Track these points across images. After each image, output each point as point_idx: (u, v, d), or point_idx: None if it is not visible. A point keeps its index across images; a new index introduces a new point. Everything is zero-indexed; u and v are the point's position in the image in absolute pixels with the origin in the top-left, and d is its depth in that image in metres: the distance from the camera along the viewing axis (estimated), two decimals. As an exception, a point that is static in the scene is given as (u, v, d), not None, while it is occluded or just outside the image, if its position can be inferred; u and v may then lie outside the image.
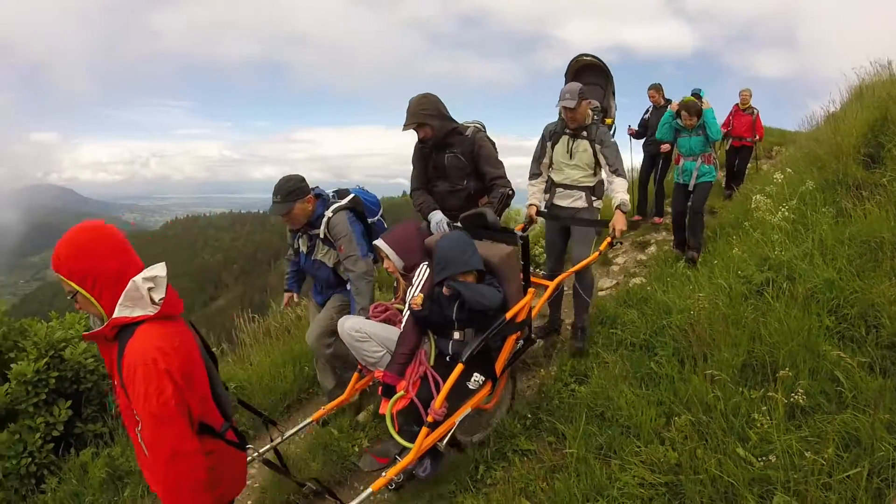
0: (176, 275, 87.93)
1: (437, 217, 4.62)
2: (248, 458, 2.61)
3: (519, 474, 3.45)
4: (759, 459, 2.78)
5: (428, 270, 3.74)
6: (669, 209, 8.55)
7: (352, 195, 4.50)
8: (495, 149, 4.77)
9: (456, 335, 3.57)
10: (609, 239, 4.64)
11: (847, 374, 3.13)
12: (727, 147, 10.39)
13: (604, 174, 4.94)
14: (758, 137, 10.25)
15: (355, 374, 4.08)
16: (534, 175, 5.25)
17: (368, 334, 3.74)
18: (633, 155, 10.68)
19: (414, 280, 3.79)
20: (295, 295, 4.90)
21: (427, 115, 4.38)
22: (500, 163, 4.71)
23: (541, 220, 5.45)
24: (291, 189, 4.17)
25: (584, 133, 4.87)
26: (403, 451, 3.25)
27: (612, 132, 5.09)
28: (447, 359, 3.58)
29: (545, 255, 5.72)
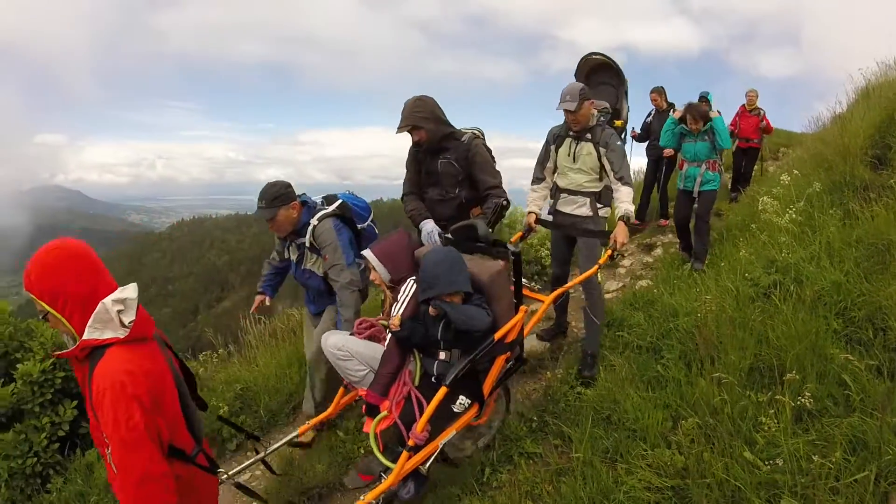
0: (182, 276, 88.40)
1: (429, 227, 4.45)
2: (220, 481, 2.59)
3: (525, 477, 3.44)
4: (767, 463, 2.76)
5: (415, 285, 3.56)
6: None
7: (339, 201, 4.36)
8: (493, 157, 4.62)
9: (442, 355, 3.40)
10: (609, 251, 4.33)
11: (854, 378, 3.11)
12: (734, 149, 10.33)
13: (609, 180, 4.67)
14: (764, 124, 10.11)
15: (341, 390, 3.98)
16: (536, 180, 5.05)
17: (351, 352, 3.63)
18: (634, 158, 10.61)
19: (399, 295, 3.62)
20: (267, 298, 4.71)
21: (422, 118, 4.24)
22: (497, 171, 4.53)
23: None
24: (276, 195, 4.06)
25: (589, 135, 4.62)
26: (388, 469, 3.13)
27: (622, 135, 4.98)
28: (433, 379, 3.40)
29: (551, 260, 5.55)
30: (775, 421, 2.93)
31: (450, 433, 3.35)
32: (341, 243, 4.13)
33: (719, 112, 8.44)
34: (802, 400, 2.95)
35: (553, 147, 4.86)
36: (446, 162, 4.40)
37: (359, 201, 4.59)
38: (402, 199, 4.78)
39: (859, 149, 5.92)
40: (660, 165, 9.22)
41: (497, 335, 3.46)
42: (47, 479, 4.46)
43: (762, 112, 10.11)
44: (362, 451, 4.23)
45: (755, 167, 10.53)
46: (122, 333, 2.00)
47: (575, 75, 5.56)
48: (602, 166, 4.60)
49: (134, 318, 2.04)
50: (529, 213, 4.95)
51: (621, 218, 4.33)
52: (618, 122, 5.18)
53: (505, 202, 4.41)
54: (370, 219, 4.60)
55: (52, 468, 4.53)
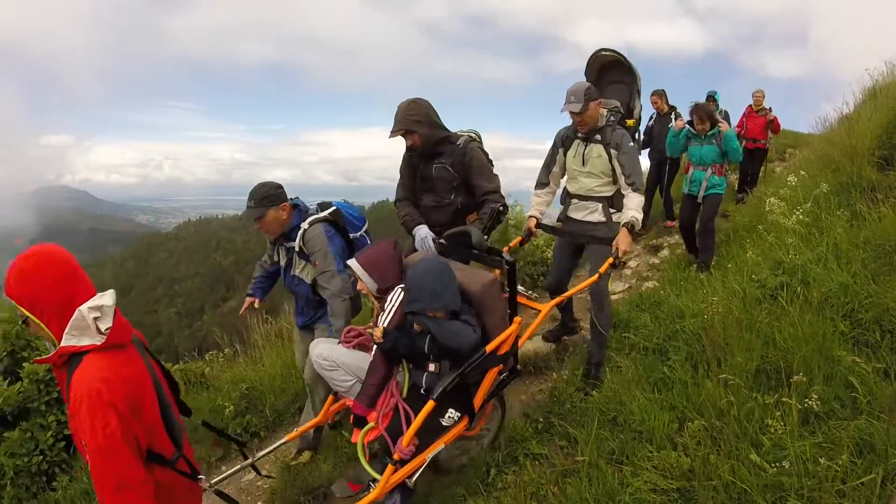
0: (188, 276, 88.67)
1: (423, 232, 4.27)
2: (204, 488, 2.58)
3: (530, 478, 3.43)
4: (773, 465, 2.76)
5: (402, 294, 3.42)
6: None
7: (333, 208, 4.22)
8: (490, 160, 4.46)
9: (431, 367, 3.25)
10: (611, 259, 4.10)
11: (861, 380, 3.11)
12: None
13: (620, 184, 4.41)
14: (772, 119, 10.06)
15: (330, 397, 3.85)
16: (540, 184, 4.83)
17: (337, 362, 3.53)
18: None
19: (386, 305, 3.47)
20: (257, 301, 4.58)
21: (414, 122, 4.09)
22: (495, 176, 4.37)
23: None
24: (265, 194, 3.94)
25: (598, 137, 4.39)
26: (376, 479, 3.05)
27: (635, 135, 4.80)
28: (421, 391, 3.28)
29: (550, 267, 5.21)
30: (782, 423, 2.93)
31: (438, 447, 3.27)
32: (332, 249, 3.99)
33: (727, 112, 8.33)
34: (809, 402, 2.95)
35: (561, 150, 4.65)
36: (441, 167, 4.27)
37: (353, 210, 4.48)
38: (395, 204, 4.65)
39: (866, 149, 5.90)
40: (662, 169, 9.12)
41: (488, 347, 3.32)
42: (53, 478, 4.48)
43: (769, 112, 10.07)
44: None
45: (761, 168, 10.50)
46: (98, 340, 2.01)
47: (585, 74, 5.37)
48: (613, 169, 4.38)
49: (111, 324, 2.04)
50: (530, 217, 4.79)
51: (625, 225, 4.13)
52: (630, 122, 4.95)
53: (501, 207, 4.25)
54: (364, 229, 4.46)
55: (57, 466, 4.54)
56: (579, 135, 4.49)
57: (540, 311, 3.98)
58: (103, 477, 1.96)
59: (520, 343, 3.74)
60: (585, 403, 4.03)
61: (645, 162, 9.60)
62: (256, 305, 4.62)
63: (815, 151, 8.02)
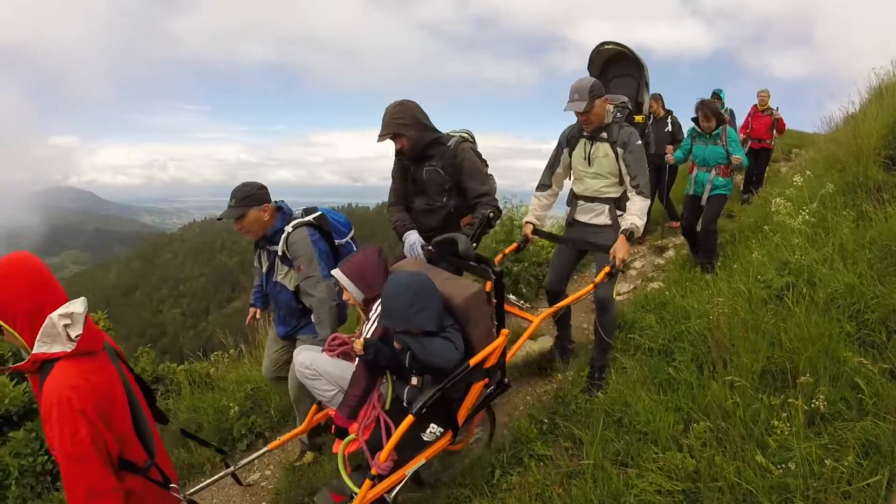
0: (193, 276, 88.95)
1: (412, 239, 4.12)
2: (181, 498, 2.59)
3: (535, 479, 3.42)
4: (779, 467, 2.76)
5: None
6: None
7: (318, 213, 4.12)
8: (484, 161, 4.38)
9: (413, 381, 3.15)
10: (608, 268, 3.93)
11: (868, 381, 3.10)
12: (746, 150, 10.25)
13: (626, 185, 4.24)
14: (777, 114, 10.04)
15: (314, 406, 3.75)
16: (541, 186, 4.65)
17: (319, 371, 3.45)
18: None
19: (371, 314, 3.38)
20: (258, 311, 4.53)
21: (402, 125, 3.96)
22: (487, 177, 4.26)
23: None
24: (247, 194, 3.84)
25: (604, 135, 4.22)
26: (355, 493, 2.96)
27: (645, 132, 4.63)
28: (404, 403, 3.18)
29: (549, 271, 4.88)
30: (788, 424, 2.93)
31: (419, 462, 3.16)
32: (317, 254, 3.91)
33: (732, 111, 8.27)
34: (815, 403, 2.95)
35: (566, 150, 4.48)
36: (432, 170, 4.14)
37: (339, 216, 4.36)
38: (387, 209, 4.53)
39: (872, 149, 5.87)
40: (661, 175, 8.92)
41: (472, 361, 3.17)
42: (57, 478, 4.47)
43: (776, 111, 10.04)
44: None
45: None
46: (69, 347, 2.03)
47: (588, 69, 5.11)
48: (620, 169, 4.21)
49: (81, 331, 2.05)
50: (526, 223, 4.63)
51: (624, 231, 3.96)
52: (638, 118, 4.72)
53: (492, 213, 4.07)
54: (350, 236, 4.34)
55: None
56: (585, 134, 4.31)
57: (532, 321, 3.81)
58: (74, 484, 1.99)
59: (508, 356, 3.62)
60: (590, 405, 4.02)
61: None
62: (258, 316, 4.58)
63: (821, 151, 7.99)
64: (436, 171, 4.13)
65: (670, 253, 8.12)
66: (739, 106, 10.77)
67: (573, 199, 4.56)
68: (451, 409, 3.21)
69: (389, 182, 4.40)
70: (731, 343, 3.80)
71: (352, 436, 3.15)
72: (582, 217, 4.48)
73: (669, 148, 8.29)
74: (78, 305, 2.10)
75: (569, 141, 4.45)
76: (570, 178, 4.61)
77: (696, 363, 3.93)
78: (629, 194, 4.13)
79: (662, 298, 5.44)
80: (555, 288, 4.56)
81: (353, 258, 3.52)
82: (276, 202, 4.04)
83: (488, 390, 3.50)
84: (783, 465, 2.75)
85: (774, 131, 10.07)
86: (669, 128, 8.59)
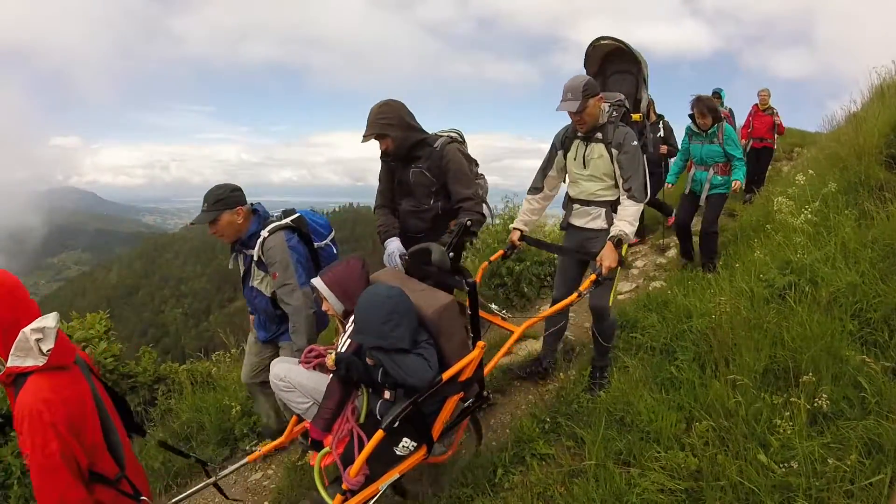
0: (195, 276, 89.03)
1: (391, 247, 4.03)
2: None
3: (537, 479, 3.42)
4: (781, 466, 2.75)
5: None
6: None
7: (296, 215, 4.01)
8: (473, 161, 4.27)
9: (386, 394, 3.04)
10: (594, 276, 3.78)
11: (870, 380, 3.10)
12: (748, 149, 10.25)
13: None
14: (779, 124, 10.03)
15: (294, 417, 3.65)
16: (533, 189, 4.50)
17: (293, 384, 3.39)
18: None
19: (347, 326, 3.28)
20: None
21: (387, 125, 3.85)
22: (471, 180, 4.11)
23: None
24: (219, 197, 3.74)
25: (599, 135, 4.07)
26: None
27: (643, 132, 4.35)
28: (378, 417, 3.07)
29: (555, 278, 4.73)
30: (790, 423, 2.92)
31: (392, 476, 3.08)
32: (294, 259, 3.80)
33: (731, 110, 8.20)
34: (818, 402, 2.95)
35: (560, 152, 4.33)
36: (418, 171, 4.04)
37: (319, 218, 4.27)
38: (374, 211, 4.44)
39: (874, 148, 5.87)
40: (652, 180, 8.92)
41: (445, 375, 3.05)
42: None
43: (775, 112, 10.04)
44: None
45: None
46: (41, 361, 2.07)
47: (585, 66, 4.83)
48: (615, 171, 4.06)
49: (52, 346, 2.09)
50: (514, 229, 4.49)
51: (612, 238, 3.81)
52: (635, 116, 4.45)
53: (469, 221, 3.91)
54: (330, 237, 4.24)
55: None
56: (579, 135, 4.17)
57: (514, 331, 3.67)
58: (44, 494, 2.04)
59: (486, 369, 3.50)
60: (592, 404, 4.02)
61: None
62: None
63: (823, 150, 7.99)
64: (422, 173, 4.04)
65: (672, 252, 8.11)
66: (741, 106, 10.78)
67: (568, 202, 4.43)
68: (424, 423, 3.13)
69: (391, 182, 4.34)
70: (733, 342, 3.79)
71: (327, 448, 3.11)
72: (577, 221, 4.35)
73: (664, 148, 8.28)
74: (50, 320, 2.14)
75: (563, 142, 4.32)
76: (564, 182, 4.50)
77: (699, 362, 3.92)
78: (621, 198, 3.99)
79: (664, 297, 5.43)
80: (563, 298, 4.13)
81: (335, 268, 3.41)
82: (251, 204, 3.96)
83: (466, 404, 3.42)
84: (785, 465, 2.75)
85: (775, 132, 10.08)
86: (661, 132, 8.53)
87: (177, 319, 76.76)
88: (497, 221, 7.86)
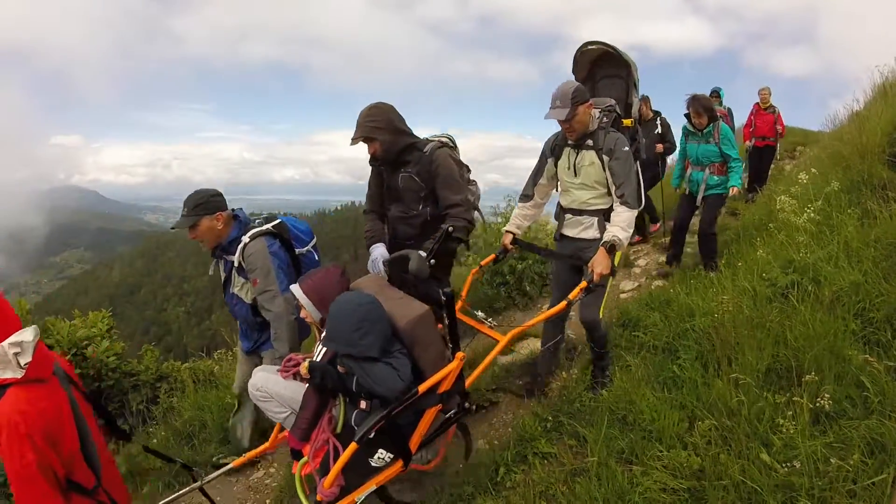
0: (197, 274, 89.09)
1: (375, 253, 3.95)
2: None
3: (539, 477, 3.42)
4: (784, 465, 2.75)
5: None
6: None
7: (277, 220, 3.99)
8: (464, 167, 4.19)
9: (362, 404, 2.99)
10: (584, 283, 3.67)
11: (873, 379, 3.09)
12: (750, 148, 10.24)
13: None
14: (780, 130, 10.04)
15: (277, 424, 3.63)
16: (523, 197, 4.45)
17: (270, 393, 3.37)
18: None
19: (323, 334, 3.25)
20: None
21: (374, 128, 3.76)
22: (461, 186, 4.00)
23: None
24: (199, 202, 3.71)
25: (590, 142, 3.99)
26: None
27: (635, 136, 4.30)
28: (354, 427, 3.03)
29: (552, 287, 4.66)
30: (793, 423, 2.92)
31: (369, 488, 3.06)
32: (275, 265, 3.78)
33: (730, 109, 8.13)
34: (820, 402, 2.94)
35: (551, 160, 4.27)
36: (407, 176, 3.94)
37: (300, 224, 4.26)
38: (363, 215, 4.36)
39: (877, 147, 5.85)
40: (644, 177, 8.83)
41: (421, 388, 3.02)
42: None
43: (777, 110, 10.03)
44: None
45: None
46: (19, 374, 2.10)
47: (573, 72, 4.66)
48: (608, 178, 3.98)
49: (30, 359, 2.13)
50: (506, 232, 4.41)
51: (604, 244, 3.72)
52: (627, 122, 4.31)
53: (451, 228, 3.78)
54: (311, 244, 4.24)
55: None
56: (570, 142, 4.09)
57: (499, 340, 3.66)
58: (22, 502, 2.10)
59: (471, 378, 3.49)
60: (595, 402, 4.01)
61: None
62: None
63: (826, 149, 7.98)
64: (411, 178, 3.95)
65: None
66: (743, 104, 10.77)
67: (560, 212, 4.34)
68: (400, 435, 3.12)
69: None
70: (735, 341, 3.79)
71: (306, 458, 3.10)
72: (570, 231, 4.26)
73: (660, 147, 8.24)
74: (28, 334, 2.17)
75: (553, 150, 4.25)
76: (556, 190, 4.41)
77: (701, 361, 3.91)
78: (614, 205, 3.90)
79: (667, 296, 5.42)
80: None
81: (313, 275, 3.37)
82: (232, 210, 3.93)
83: (448, 415, 3.37)
84: (788, 464, 2.74)
85: (778, 129, 10.06)
86: (659, 129, 8.49)
87: (179, 318, 76.93)
88: (499, 220, 7.84)
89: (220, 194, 3.85)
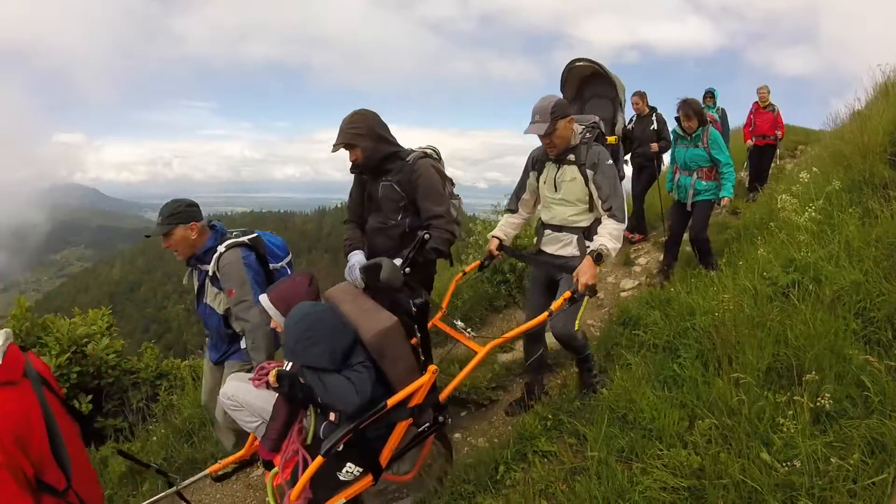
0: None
1: (353, 259, 3.85)
2: None
3: (539, 476, 3.42)
4: (784, 465, 2.74)
5: None
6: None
7: (254, 234, 3.93)
8: (446, 178, 4.06)
9: (331, 416, 2.93)
10: (568, 293, 3.53)
11: (873, 379, 3.08)
12: (751, 147, 10.23)
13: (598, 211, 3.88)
14: (780, 134, 10.06)
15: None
16: (508, 211, 4.44)
17: (241, 402, 3.35)
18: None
19: None
20: None
21: (356, 135, 3.69)
22: (444, 198, 3.90)
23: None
24: (173, 211, 3.71)
25: (571, 157, 3.90)
26: None
27: (618, 154, 4.17)
28: (322, 439, 3.01)
29: (530, 293, 4.58)
30: (793, 422, 2.91)
31: (338, 501, 3.00)
32: (250, 276, 3.72)
33: (724, 110, 8.10)
34: (821, 401, 2.93)
35: (533, 174, 4.21)
36: (388, 185, 3.86)
37: (275, 239, 4.20)
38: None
39: (878, 146, 5.84)
40: (642, 175, 8.82)
41: (390, 401, 2.94)
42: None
43: (776, 109, 10.02)
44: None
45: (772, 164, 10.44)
46: None
47: (562, 89, 4.56)
48: (590, 193, 3.88)
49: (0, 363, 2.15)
50: (493, 237, 4.35)
51: (591, 253, 3.55)
52: (610, 139, 4.19)
53: (427, 235, 3.73)
54: (286, 260, 4.17)
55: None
56: (551, 157, 4.01)
57: (477, 351, 3.52)
58: None
59: (446, 390, 3.39)
60: (595, 401, 4.01)
61: (626, 168, 9.36)
62: None
63: (827, 148, 7.96)
64: (392, 187, 3.86)
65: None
66: (743, 104, 10.77)
67: (540, 227, 4.25)
68: (369, 449, 3.05)
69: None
70: (736, 340, 3.78)
71: (276, 469, 3.09)
72: (548, 248, 4.15)
73: (655, 146, 8.24)
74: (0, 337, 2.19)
75: (534, 164, 4.18)
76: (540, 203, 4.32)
77: (702, 360, 3.90)
78: (602, 217, 3.77)
79: (667, 295, 5.42)
80: (535, 314, 3.77)
81: (281, 284, 3.36)
82: (209, 221, 3.94)
83: (421, 428, 3.27)
84: (788, 463, 2.73)
85: (777, 130, 10.04)
86: (654, 125, 8.46)
87: (179, 315, 76.83)
88: (500, 218, 7.82)
89: (196, 205, 3.85)
